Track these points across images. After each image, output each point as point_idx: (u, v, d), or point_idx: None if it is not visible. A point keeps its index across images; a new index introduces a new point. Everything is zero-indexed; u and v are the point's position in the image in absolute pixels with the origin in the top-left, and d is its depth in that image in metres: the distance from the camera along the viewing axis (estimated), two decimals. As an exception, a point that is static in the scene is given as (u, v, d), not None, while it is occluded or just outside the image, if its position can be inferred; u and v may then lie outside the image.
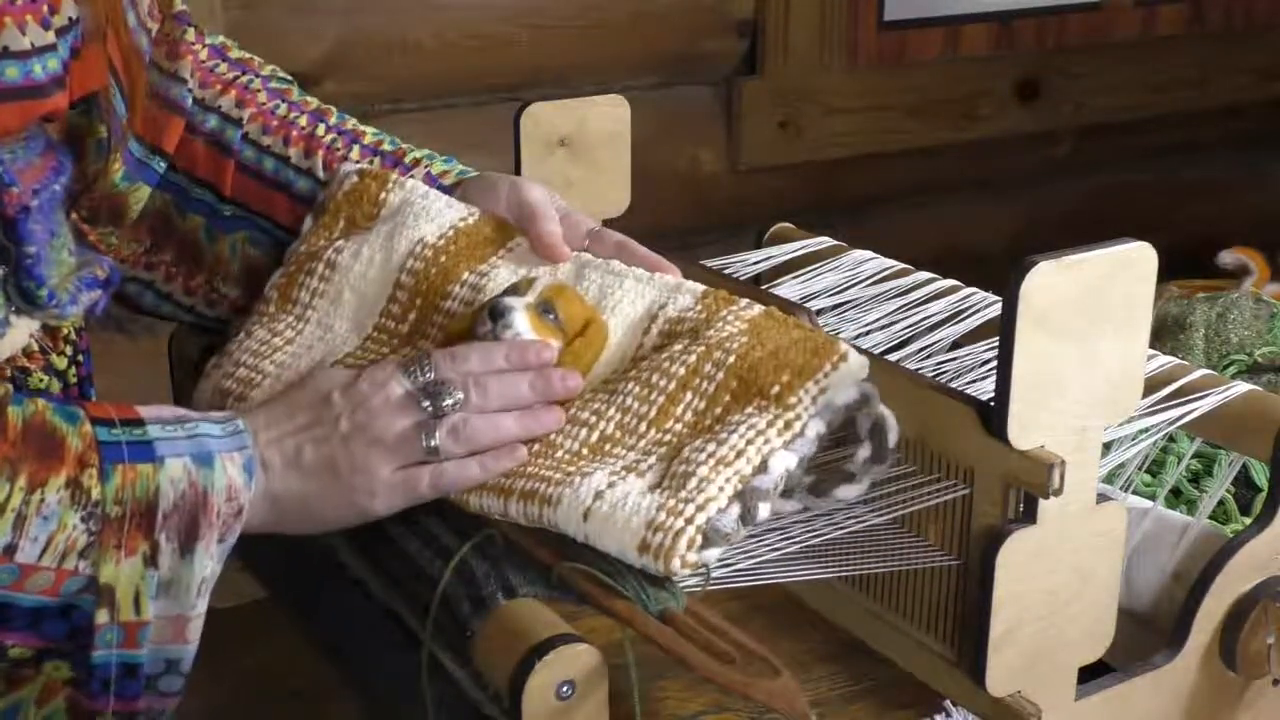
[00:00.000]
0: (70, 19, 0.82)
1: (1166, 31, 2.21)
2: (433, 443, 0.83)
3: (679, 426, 0.83)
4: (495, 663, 0.75)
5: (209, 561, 0.79)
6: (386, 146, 1.08)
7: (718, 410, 0.82)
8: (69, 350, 0.91)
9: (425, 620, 0.80)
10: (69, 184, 0.88)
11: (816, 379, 0.82)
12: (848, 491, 0.83)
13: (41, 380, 0.88)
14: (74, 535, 0.75)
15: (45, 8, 0.80)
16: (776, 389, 0.81)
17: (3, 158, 0.81)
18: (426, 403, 0.84)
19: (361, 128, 1.09)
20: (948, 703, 0.92)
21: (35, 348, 0.88)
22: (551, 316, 0.87)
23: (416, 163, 1.07)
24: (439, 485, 0.84)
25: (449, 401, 0.84)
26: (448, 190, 1.03)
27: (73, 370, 0.91)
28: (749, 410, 0.81)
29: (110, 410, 0.79)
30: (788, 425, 0.80)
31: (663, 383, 0.84)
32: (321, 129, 1.07)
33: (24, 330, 0.86)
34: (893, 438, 0.83)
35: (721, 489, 0.78)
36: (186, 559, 0.78)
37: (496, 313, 0.87)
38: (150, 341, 1.10)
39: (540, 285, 0.89)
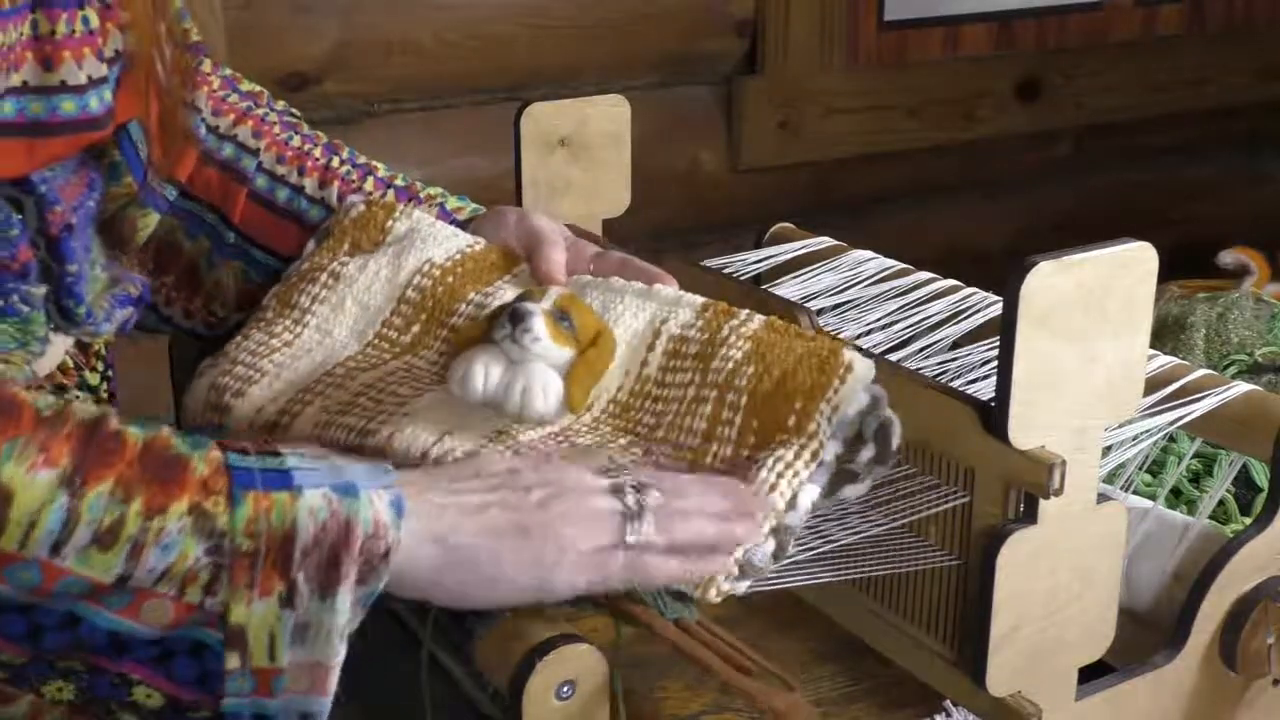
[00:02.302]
0: (117, 50, 0.84)
1: (1166, 31, 2.21)
2: (638, 528, 0.76)
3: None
4: (495, 663, 0.75)
5: (351, 607, 0.70)
6: (399, 181, 1.08)
7: (745, 453, 0.83)
8: (100, 366, 0.92)
9: (425, 620, 0.80)
10: (100, 200, 0.89)
11: (828, 398, 0.82)
12: (852, 491, 0.83)
13: (76, 396, 0.88)
14: (196, 567, 0.68)
15: (99, 40, 0.81)
16: (793, 419, 0.82)
17: (45, 176, 0.82)
18: (630, 497, 0.77)
19: (375, 163, 1.09)
20: (948, 703, 0.92)
21: (70, 364, 0.88)
22: (566, 324, 0.87)
23: (430, 198, 1.07)
24: (634, 570, 0.76)
25: (652, 497, 0.78)
26: (461, 225, 1.03)
27: (104, 385, 0.92)
28: (773, 445, 0.82)
29: (245, 446, 0.73)
30: (813, 455, 0.81)
31: (689, 440, 0.85)
32: (336, 161, 1.07)
33: (60, 347, 0.88)
34: (896, 440, 0.83)
35: (759, 526, 0.79)
36: (327, 602, 0.70)
37: (517, 316, 0.86)
38: (150, 342, 1.10)
39: (553, 294, 0.89)
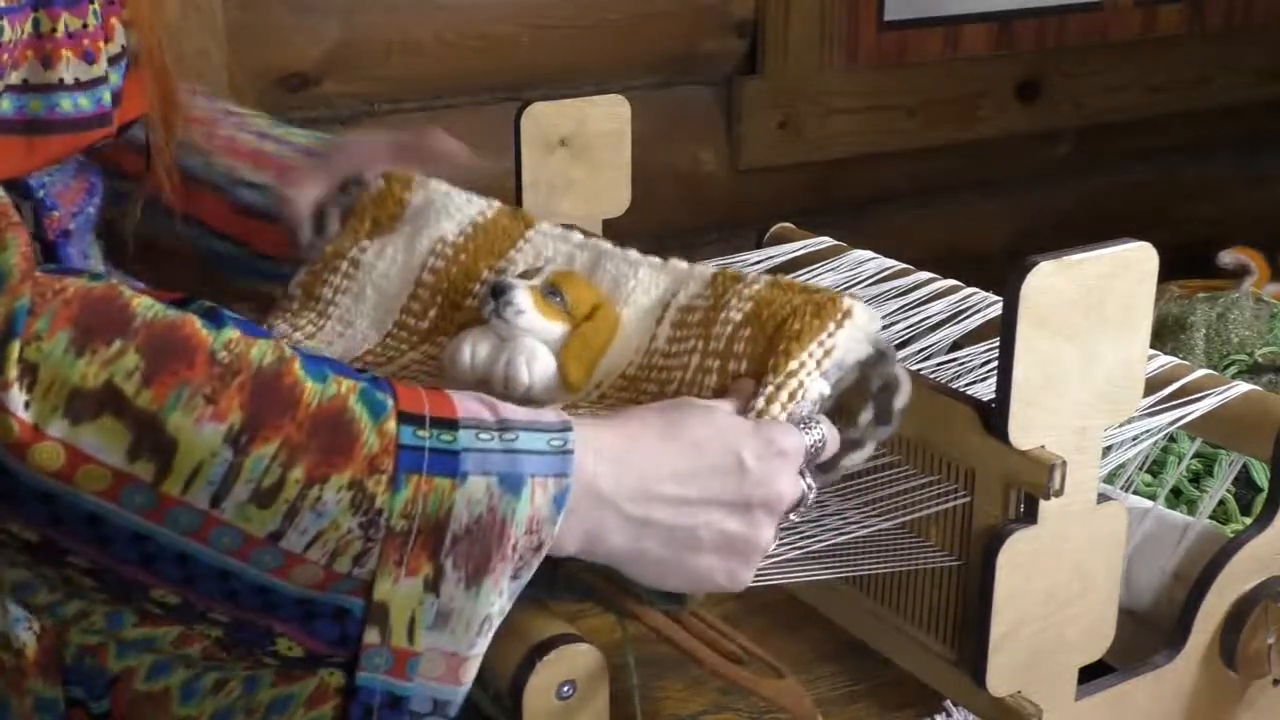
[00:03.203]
0: (122, 46, 0.84)
1: (1166, 31, 2.21)
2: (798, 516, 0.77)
3: None
4: (495, 663, 0.75)
5: (496, 598, 0.70)
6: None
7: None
8: None
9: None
10: (101, 206, 0.88)
11: (820, 340, 0.79)
12: (854, 458, 0.81)
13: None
14: (348, 538, 0.67)
15: (101, 38, 0.81)
16: (774, 360, 0.79)
17: (44, 180, 0.82)
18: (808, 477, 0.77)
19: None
20: (948, 703, 0.92)
21: None
22: (557, 299, 0.87)
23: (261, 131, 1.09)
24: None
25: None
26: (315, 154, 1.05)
27: None
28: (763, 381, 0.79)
29: (424, 402, 0.70)
30: (790, 396, 0.77)
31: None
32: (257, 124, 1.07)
33: None
34: (900, 401, 0.80)
35: None
36: (472, 590, 0.69)
37: (498, 290, 0.86)
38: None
39: (547, 270, 0.89)
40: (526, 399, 0.84)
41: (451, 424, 0.70)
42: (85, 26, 0.81)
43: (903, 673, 0.93)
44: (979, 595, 0.83)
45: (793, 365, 0.78)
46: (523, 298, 0.85)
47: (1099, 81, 2.17)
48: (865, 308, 0.80)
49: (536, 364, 0.84)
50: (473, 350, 0.86)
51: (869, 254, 1.16)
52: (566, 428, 0.72)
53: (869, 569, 0.89)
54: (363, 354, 0.94)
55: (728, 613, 0.80)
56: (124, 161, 1.00)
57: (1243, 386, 0.96)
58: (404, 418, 0.69)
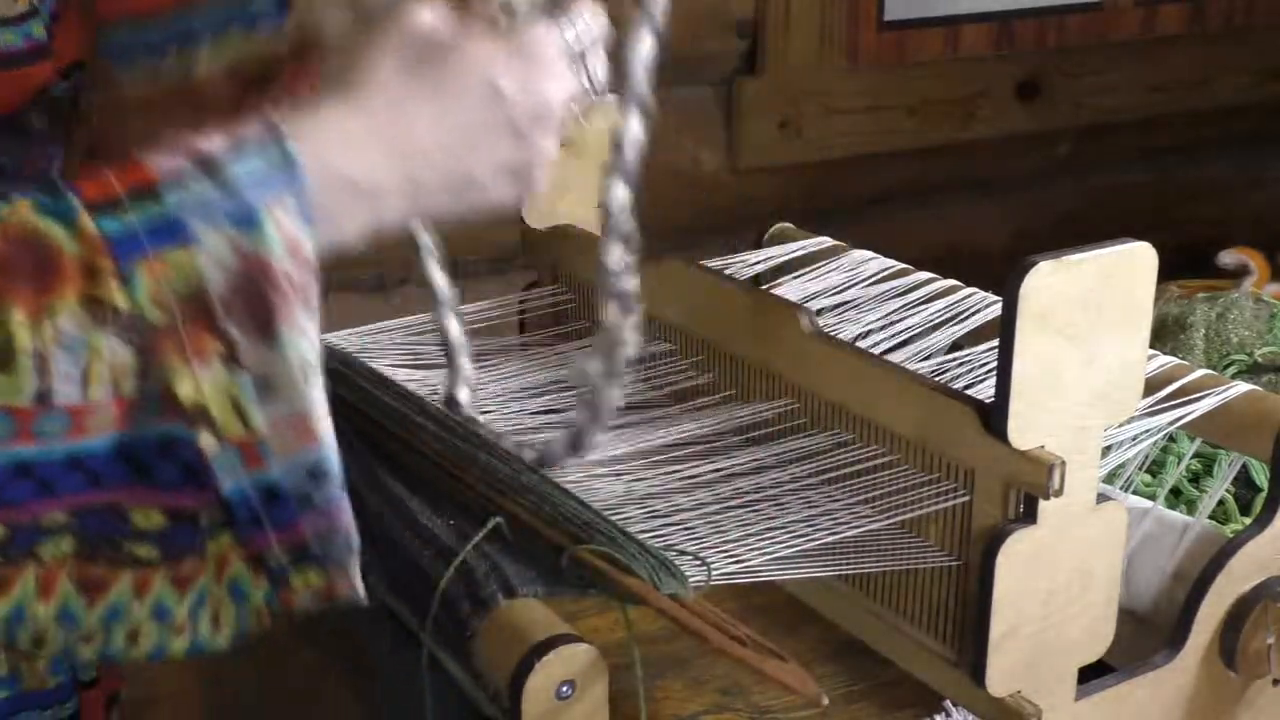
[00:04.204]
0: None
1: (1166, 31, 2.21)
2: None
3: None
4: (495, 663, 0.75)
5: (302, 339, 0.64)
6: None
7: None
8: None
9: (425, 620, 0.80)
10: (59, 175, 0.87)
11: None
12: (625, 352, 0.80)
13: None
14: (116, 359, 0.61)
15: None
16: None
17: (9, 150, 0.80)
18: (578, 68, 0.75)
19: None
20: (948, 703, 0.92)
21: None
22: None
23: None
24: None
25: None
26: None
27: None
28: None
29: (112, 182, 0.63)
30: None
31: None
32: None
33: None
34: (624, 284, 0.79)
35: None
36: (273, 344, 0.63)
37: None
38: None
39: None
40: None
41: (152, 191, 0.63)
42: None
43: (903, 673, 0.93)
44: (978, 595, 0.83)
45: None
46: None
47: (1099, 81, 2.17)
48: None
49: None
50: None
51: (869, 254, 1.16)
52: (279, 136, 0.65)
53: (868, 569, 0.89)
54: None
55: (727, 612, 0.80)
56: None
57: (1242, 386, 0.96)
58: (97, 209, 0.62)
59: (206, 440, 0.63)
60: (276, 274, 0.63)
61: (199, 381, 0.62)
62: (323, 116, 0.68)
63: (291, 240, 0.64)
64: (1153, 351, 0.96)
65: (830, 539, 0.85)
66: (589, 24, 0.76)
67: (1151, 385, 0.93)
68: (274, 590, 0.67)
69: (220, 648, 0.68)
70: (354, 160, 0.68)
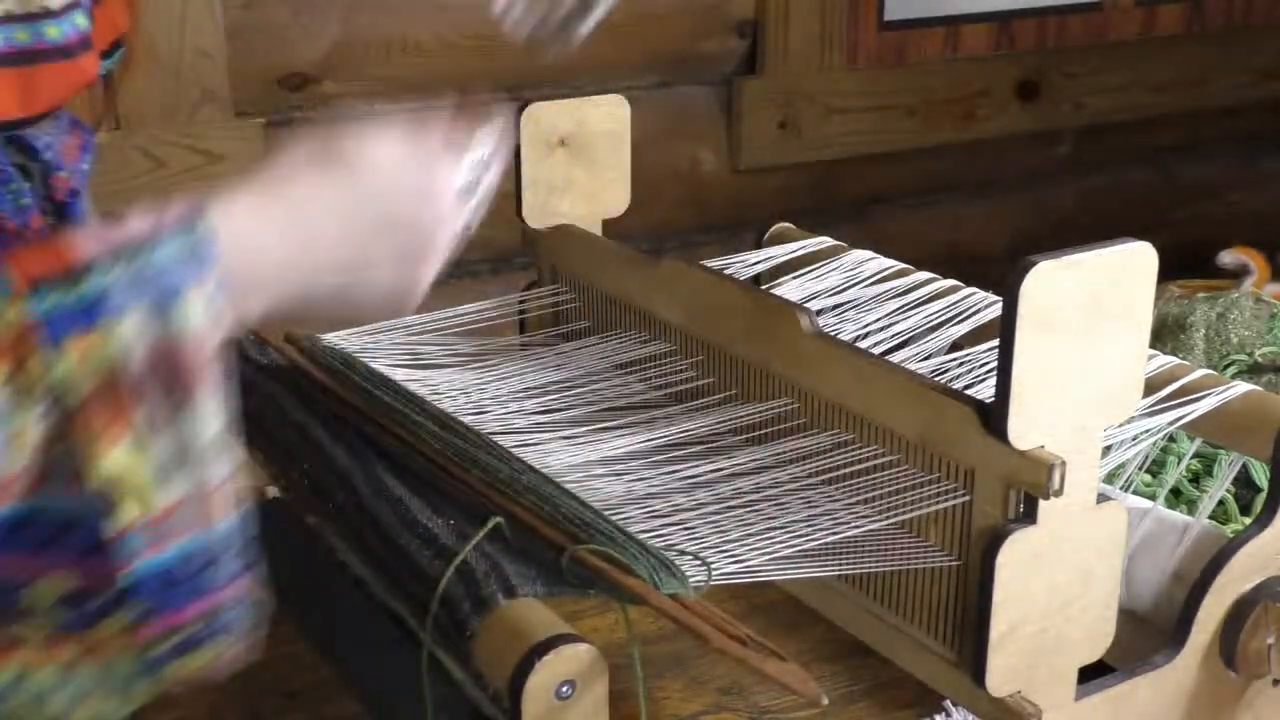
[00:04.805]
0: None
1: (1166, 31, 2.21)
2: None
3: None
4: (495, 663, 0.75)
5: (216, 413, 0.65)
6: None
7: None
8: None
9: (425, 620, 0.80)
10: (92, 164, 0.87)
11: None
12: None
13: None
14: (37, 432, 0.62)
15: None
16: None
17: (48, 141, 0.80)
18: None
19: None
20: (948, 703, 0.92)
21: None
22: None
23: None
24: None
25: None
26: None
27: None
28: None
29: (42, 261, 0.64)
30: None
31: None
32: None
33: None
34: None
35: None
36: (188, 418, 0.65)
37: None
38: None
39: None
40: None
41: (77, 273, 0.64)
42: None
43: (903, 673, 0.93)
44: (978, 595, 0.83)
45: None
46: None
47: (1099, 81, 2.17)
48: None
49: None
50: None
51: (869, 254, 1.16)
52: (197, 220, 0.67)
53: (868, 569, 0.89)
54: None
55: (727, 612, 0.80)
56: None
57: (1243, 386, 0.96)
58: (28, 287, 0.63)
59: (111, 517, 0.63)
60: (192, 355, 0.65)
61: (114, 455, 0.63)
62: (236, 202, 0.71)
63: (207, 321, 0.65)
64: (1153, 351, 0.96)
65: (830, 539, 0.85)
66: (490, 141, 0.80)
67: (1151, 385, 0.93)
68: (161, 668, 0.67)
69: None
70: (263, 243, 0.71)
